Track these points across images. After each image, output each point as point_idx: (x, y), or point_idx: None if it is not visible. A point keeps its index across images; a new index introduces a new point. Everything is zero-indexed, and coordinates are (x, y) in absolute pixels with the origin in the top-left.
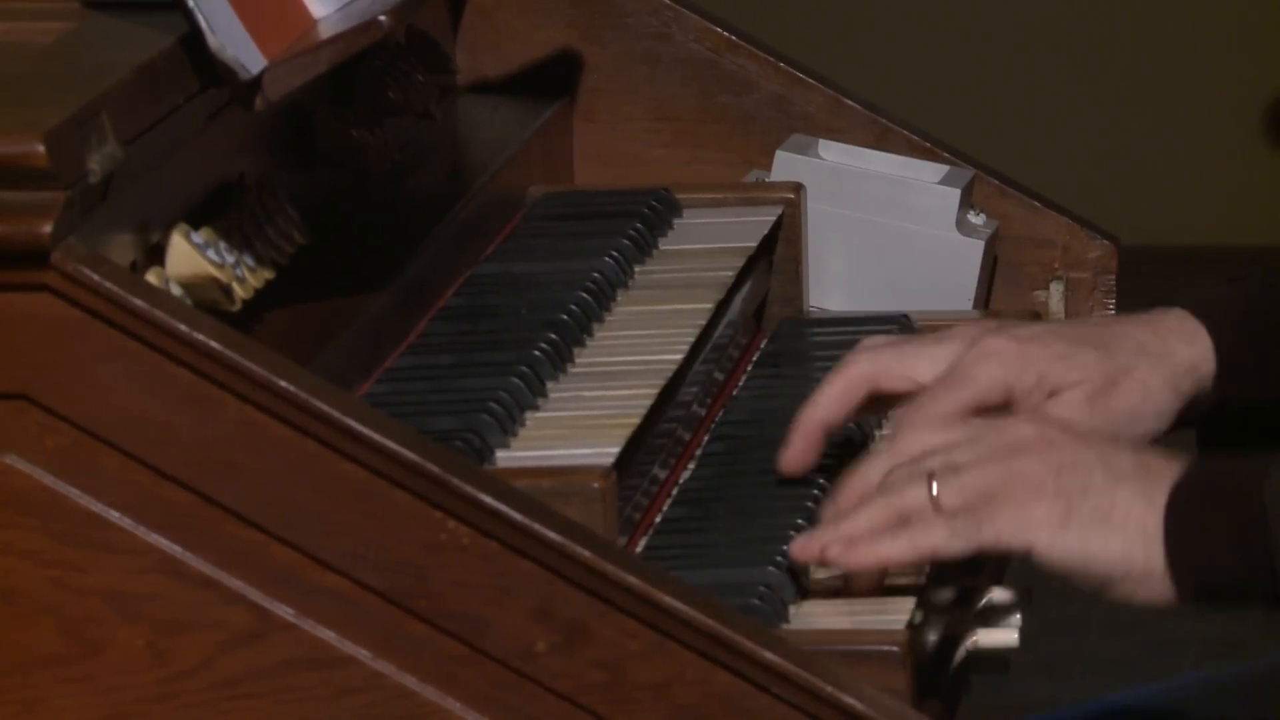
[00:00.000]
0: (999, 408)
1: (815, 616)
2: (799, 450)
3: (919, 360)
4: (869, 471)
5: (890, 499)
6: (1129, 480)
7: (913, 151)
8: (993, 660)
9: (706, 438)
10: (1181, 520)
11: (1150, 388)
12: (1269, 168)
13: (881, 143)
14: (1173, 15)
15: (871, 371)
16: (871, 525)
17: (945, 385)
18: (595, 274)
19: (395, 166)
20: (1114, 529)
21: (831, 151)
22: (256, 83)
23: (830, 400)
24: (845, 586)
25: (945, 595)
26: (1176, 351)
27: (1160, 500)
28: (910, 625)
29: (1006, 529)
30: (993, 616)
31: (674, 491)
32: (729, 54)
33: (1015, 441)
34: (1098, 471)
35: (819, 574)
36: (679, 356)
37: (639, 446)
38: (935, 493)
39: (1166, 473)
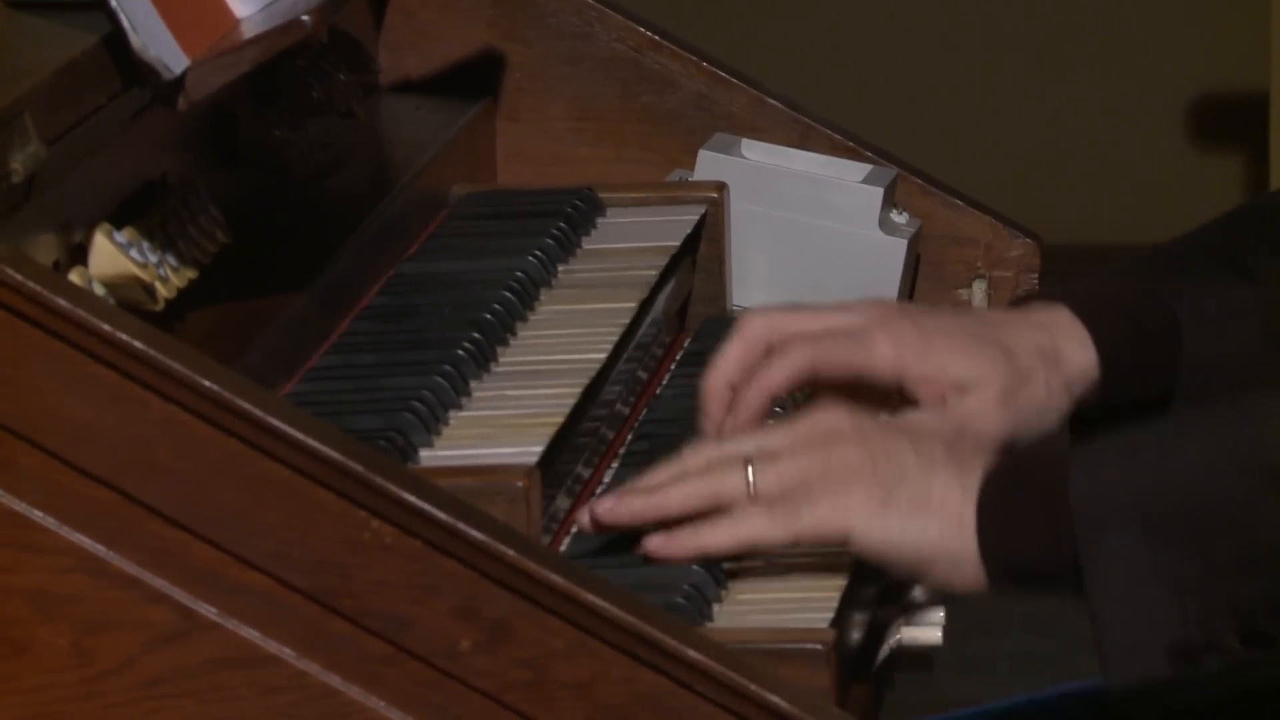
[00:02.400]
0: (884, 389)
1: (740, 615)
2: (714, 416)
3: (815, 322)
4: (685, 457)
5: (708, 481)
6: (943, 468)
7: (835, 151)
8: (916, 657)
9: (630, 436)
10: (993, 508)
11: (1052, 389)
12: (1191, 166)
13: (804, 142)
14: (1094, 14)
15: (766, 331)
16: (684, 504)
17: (840, 342)
18: (519, 273)
19: (318, 166)
20: (931, 515)
21: (754, 151)
22: (179, 82)
23: (729, 362)
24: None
25: (868, 593)
26: (1068, 356)
27: (974, 487)
28: (834, 623)
29: (824, 516)
30: (916, 614)
31: (598, 490)
32: (652, 53)
33: (830, 431)
34: (912, 460)
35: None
36: (602, 355)
37: (562, 445)
38: (752, 479)
39: (977, 461)
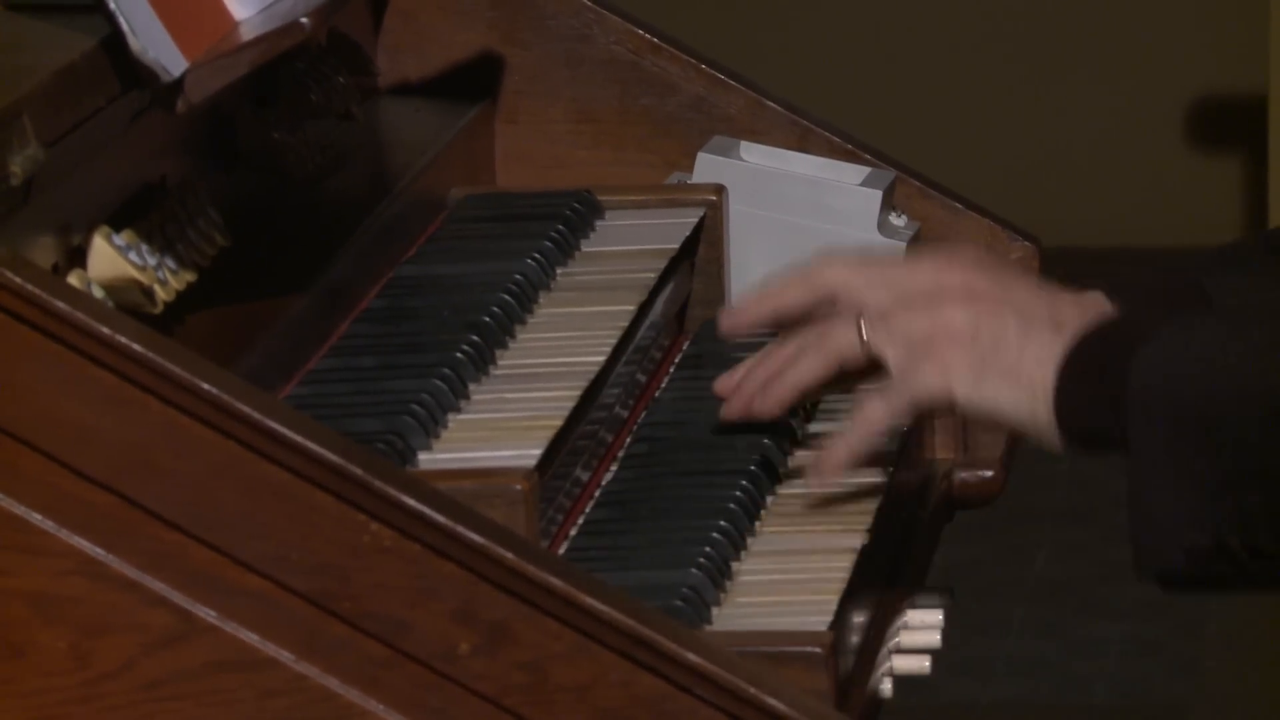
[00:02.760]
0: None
1: (738, 618)
2: (745, 319)
3: (886, 296)
4: (804, 284)
5: (824, 345)
6: (1038, 334)
7: (834, 153)
8: (915, 661)
9: (629, 439)
10: (1068, 379)
11: None
12: (1189, 169)
13: (803, 144)
14: (1094, 17)
15: (837, 285)
16: (810, 374)
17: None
18: (517, 276)
19: (317, 168)
20: (1020, 383)
21: (753, 153)
22: (178, 85)
23: (788, 294)
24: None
25: (867, 596)
26: None
27: (1058, 355)
28: (832, 626)
29: (931, 379)
30: (915, 617)
31: (596, 493)
32: (650, 56)
33: (940, 288)
34: (1012, 327)
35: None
36: (601, 358)
37: (561, 448)
38: (865, 337)
39: (1072, 326)
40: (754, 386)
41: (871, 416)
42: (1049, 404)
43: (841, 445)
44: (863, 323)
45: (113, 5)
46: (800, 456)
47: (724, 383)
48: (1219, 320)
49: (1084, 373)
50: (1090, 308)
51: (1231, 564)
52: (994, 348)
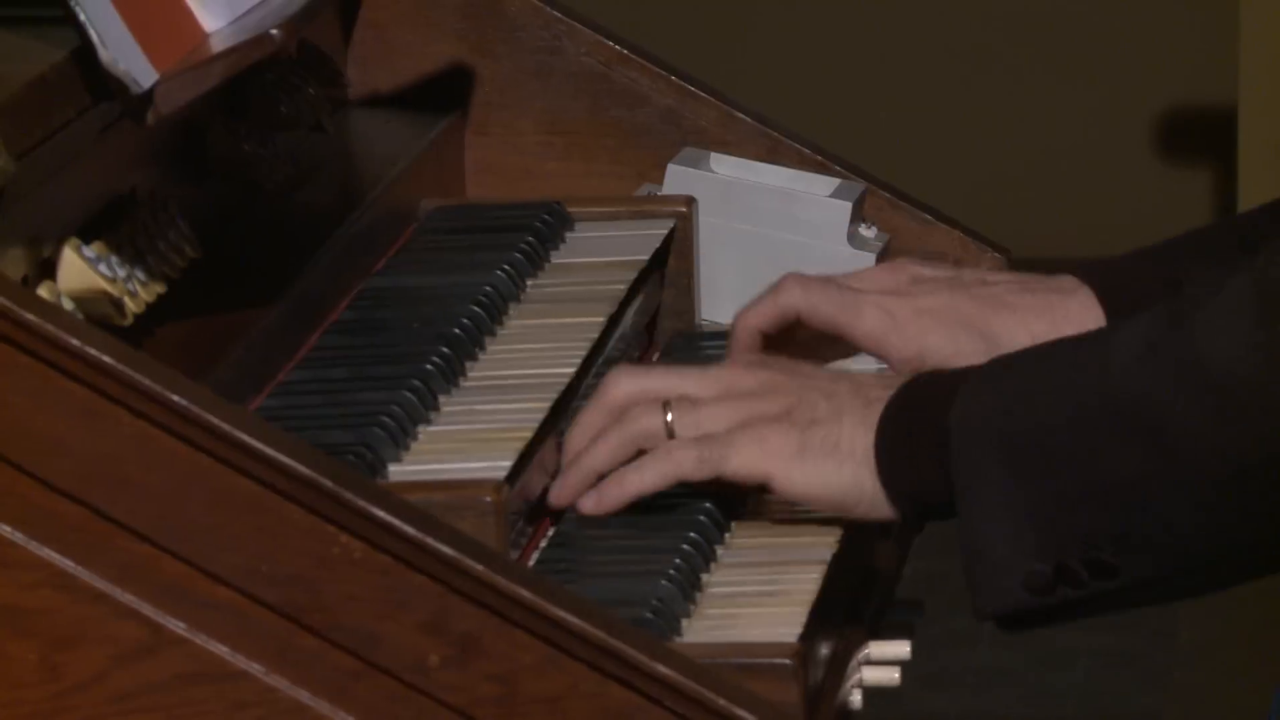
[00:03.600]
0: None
1: (709, 629)
2: (572, 493)
3: (844, 313)
4: (601, 404)
5: (626, 428)
6: (850, 409)
7: (804, 165)
8: (885, 672)
9: None
10: (889, 440)
11: None
12: (1159, 180)
13: (773, 156)
14: (1063, 27)
15: (802, 307)
16: (611, 457)
17: (834, 299)
18: (487, 287)
19: (287, 180)
20: (843, 458)
21: (723, 165)
22: (148, 96)
23: (763, 315)
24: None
25: (837, 608)
26: None
27: (875, 424)
28: (802, 637)
29: (749, 458)
30: (885, 629)
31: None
32: (620, 67)
33: (744, 381)
34: (822, 404)
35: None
36: (571, 370)
37: (531, 460)
38: (670, 421)
39: (882, 398)
40: (578, 486)
41: (674, 469)
42: (873, 471)
43: (633, 485)
44: (670, 410)
45: (83, 17)
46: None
47: (559, 495)
48: (1044, 349)
49: (903, 432)
50: (893, 381)
51: (1074, 586)
52: (809, 425)
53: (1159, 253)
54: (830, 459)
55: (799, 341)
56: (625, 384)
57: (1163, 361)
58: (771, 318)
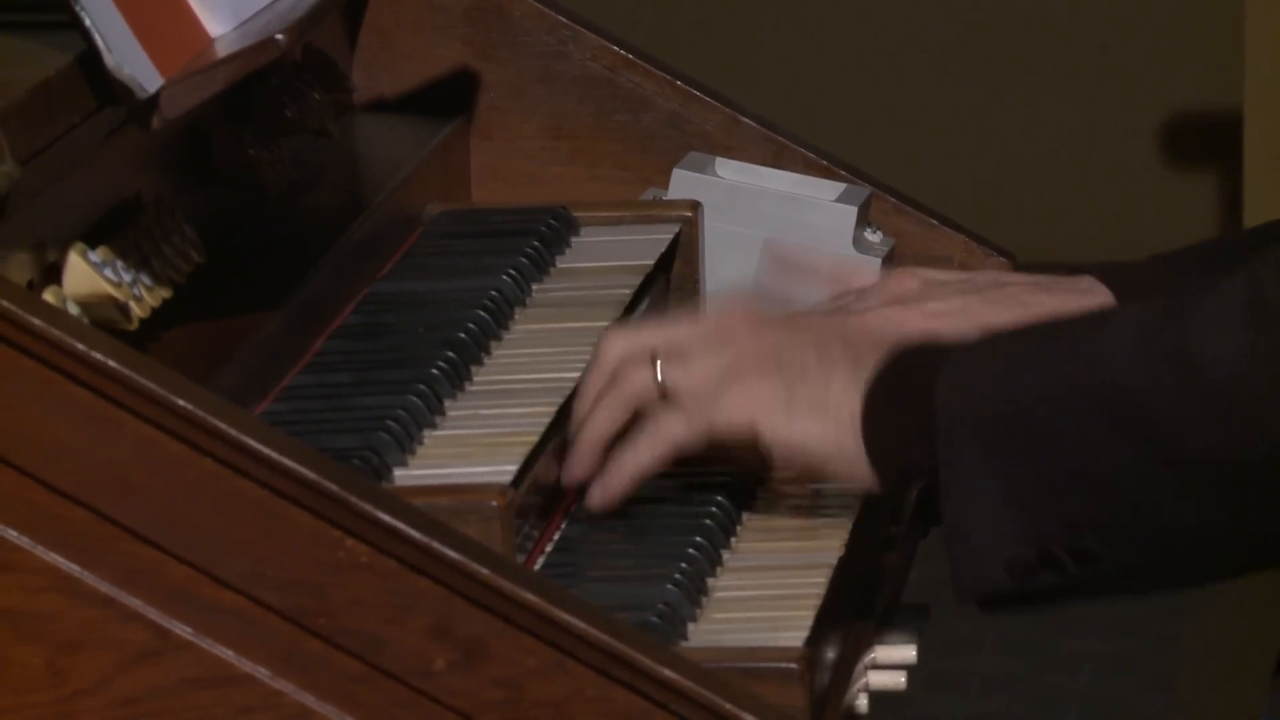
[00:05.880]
0: None
1: (714, 634)
2: (586, 466)
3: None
4: (597, 367)
5: (619, 389)
6: (840, 367)
7: (809, 169)
8: (891, 676)
9: None
10: (876, 408)
11: None
12: (1165, 185)
13: (778, 160)
14: (1069, 32)
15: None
16: (609, 423)
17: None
18: (493, 292)
19: (292, 185)
20: (828, 415)
21: (728, 169)
22: (153, 101)
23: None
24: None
25: (844, 612)
26: None
27: (863, 386)
28: (808, 642)
29: (734, 410)
30: (891, 633)
31: (572, 509)
32: (626, 72)
33: (734, 327)
34: (813, 359)
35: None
36: (577, 374)
37: (537, 464)
38: (660, 377)
39: (873, 360)
40: (585, 462)
41: (666, 440)
42: (858, 436)
43: (631, 467)
44: (658, 362)
45: (88, 22)
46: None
47: (570, 474)
48: (1033, 330)
49: (891, 399)
50: (885, 343)
51: (1057, 573)
52: (799, 379)
53: (1177, 257)
54: (816, 415)
55: None
56: (617, 343)
57: (1155, 353)
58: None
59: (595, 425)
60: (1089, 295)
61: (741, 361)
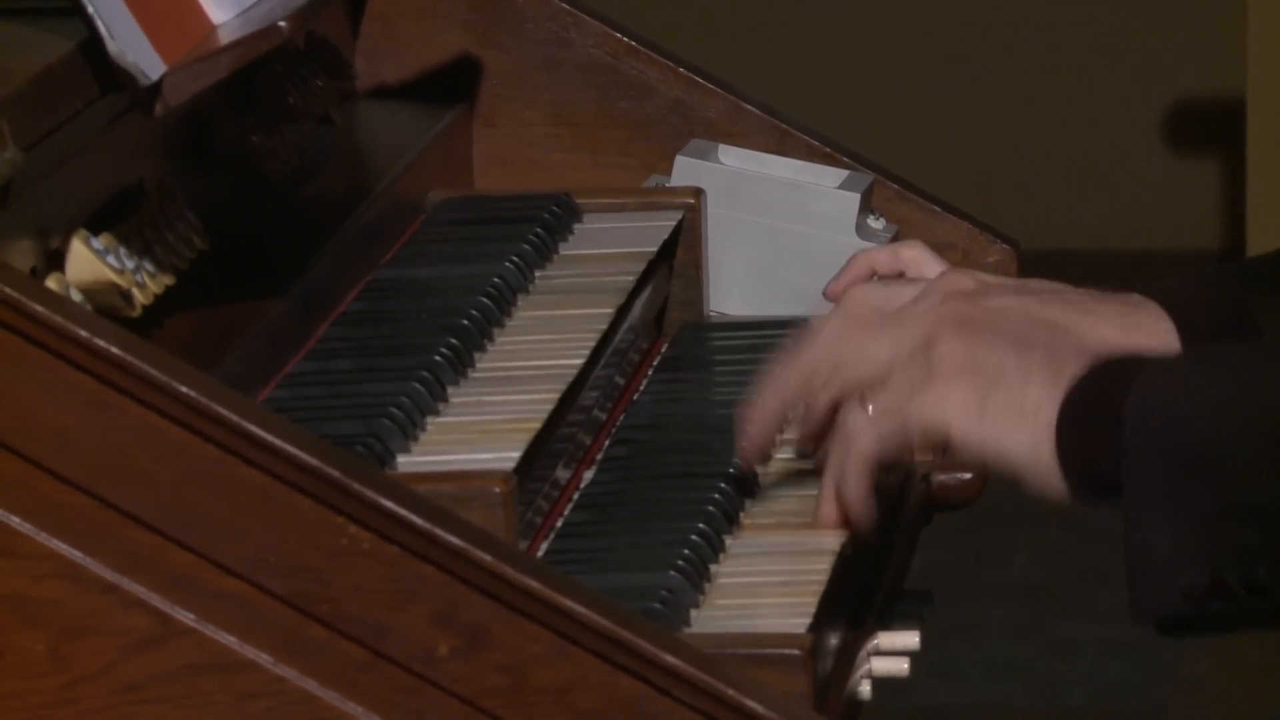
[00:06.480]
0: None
1: (718, 620)
2: (759, 442)
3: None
4: (810, 414)
5: (849, 453)
6: (1039, 375)
7: (812, 156)
8: (894, 663)
9: (608, 442)
10: (1069, 420)
11: None
12: (1168, 172)
13: (781, 147)
14: (1072, 19)
15: (817, 369)
16: (858, 484)
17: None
18: (495, 279)
19: (295, 171)
20: (1023, 425)
21: (731, 156)
22: (156, 88)
23: (771, 408)
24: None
25: (847, 598)
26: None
27: (1060, 397)
28: (811, 628)
29: (928, 413)
30: (894, 619)
31: (575, 496)
32: (628, 59)
33: (937, 323)
34: (1011, 364)
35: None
36: (580, 361)
37: (540, 451)
38: (871, 411)
39: (1072, 369)
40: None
41: (866, 463)
42: (1051, 446)
43: (856, 499)
44: (870, 408)
45: (91, 9)
46: (779, 458)
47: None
48: (1222, 353)
49: (1085, 410)
50: (1086, 352)
51: (1228, 601)
52: (995, 384)
53: (1217, 273)
54: (1010, 422)
55: None
56: (820, 367)
57: None
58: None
59: (851, 490)
60: (1140, 307)
61: (938, 363)
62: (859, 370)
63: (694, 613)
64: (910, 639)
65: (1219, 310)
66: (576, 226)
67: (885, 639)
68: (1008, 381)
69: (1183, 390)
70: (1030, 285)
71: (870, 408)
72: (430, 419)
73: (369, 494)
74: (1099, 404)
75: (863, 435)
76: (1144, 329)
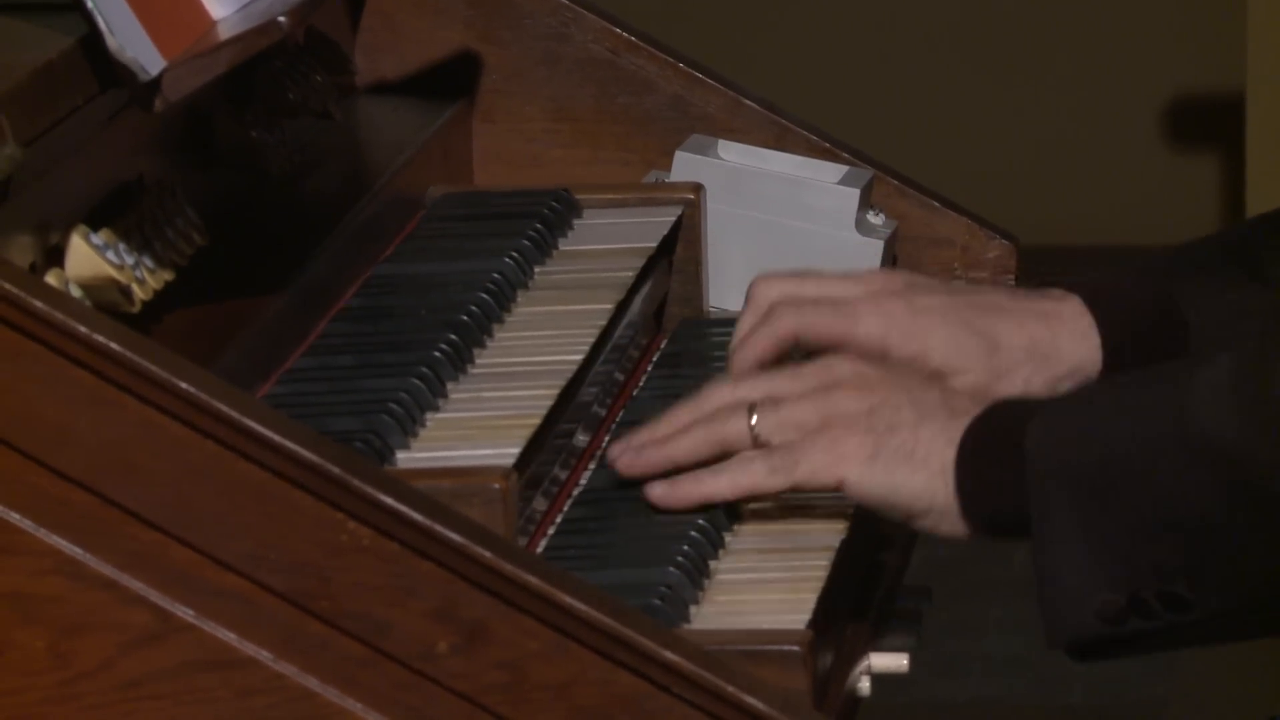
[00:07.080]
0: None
1: (717, 616)
2: (654, 461)
3: (815, 289)
4: (700, 398)
5: (712, 428)
6: (934, 418)
7: (812, 152)
8: (893, 659)
9: (607, 438)
10: (968, 459)
11: (1031, 387)
12: (1167, 167)
13: (781, 143)
14: (1071, 15)
15: (772, 295)
16: (692, 453)
17: (826, 312)
18: (495, 274)
19: (295, 167)
20: (917, 466)
21: (731, 152)
22: (156, 84)
23: (743, 332)
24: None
25: (846, 595)
26: (1065, 352)
27: (957, 438)
28: (810, 624)
29: (819, 465)
30: (892, 617)
31: (574, 492)
32: (628, 54)
33: (834, 378)
34: (906, 410)
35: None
36: (579, 357)
37: (539, 447)
38: (754, 424)
39: (968, 412)
40: (651, 466)
41: (748, 480)
42: (949, 487)
43: (707, 489)
44: (754, 414)
45: (90, 4)
46: None
47: (629, 463)
48: (1122, 379)
49: (983, 451)
50: (982, 396)
51: (1147, 618)
52: (889, 431)
53: (1145, 267)
54: (903, 466)
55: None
56: (720, 391)
57: (1243, 400)
58: (769, 349)
59: (679, 445)
60: (1062, 302)
61: (833, 413)
62: (764, 388)
63: (693, 609)
64: (910, 636)
65: (1142, 306)
66: (576, 222)
67: (885, 636)
68: (903, 428)
69: (1085, 419)
70: (954, 285)
71: (755, 422)
72: (430, 415)
73: (368, 490)
74: (997, 442)
75: (760, 468)
76: (1066, 323)
